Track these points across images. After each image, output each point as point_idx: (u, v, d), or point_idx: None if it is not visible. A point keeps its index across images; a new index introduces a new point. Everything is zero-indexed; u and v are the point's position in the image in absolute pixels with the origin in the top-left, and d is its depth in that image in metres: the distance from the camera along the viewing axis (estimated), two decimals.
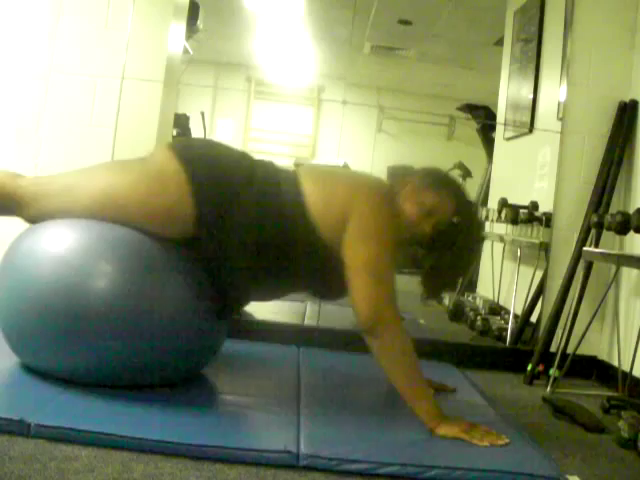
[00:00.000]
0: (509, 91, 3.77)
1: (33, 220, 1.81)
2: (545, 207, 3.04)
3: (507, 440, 1.66)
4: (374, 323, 1.67)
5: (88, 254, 1.69)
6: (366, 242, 1.72)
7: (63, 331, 1.65)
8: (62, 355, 1.69)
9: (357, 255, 1.71)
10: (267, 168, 1.88)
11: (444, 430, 1.66)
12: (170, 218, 1.76)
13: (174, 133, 3.38)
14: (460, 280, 2.15)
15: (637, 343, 2.36)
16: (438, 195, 1.87)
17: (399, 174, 1.99)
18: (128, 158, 1.94)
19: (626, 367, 2.48)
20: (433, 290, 1.97)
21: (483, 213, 3.59)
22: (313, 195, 1.78)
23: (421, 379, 1.72)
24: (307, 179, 1.82)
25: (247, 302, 2.02)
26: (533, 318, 2.97)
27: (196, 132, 3.80)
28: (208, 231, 1.76)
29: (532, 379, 2.62)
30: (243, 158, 1.90)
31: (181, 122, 3.56)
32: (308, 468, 1.44)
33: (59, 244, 1.70)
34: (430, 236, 1.86)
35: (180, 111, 3.50)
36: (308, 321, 3.03)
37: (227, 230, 1.76)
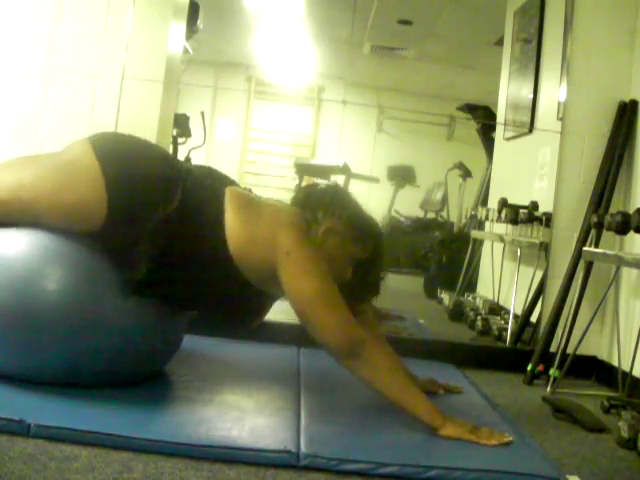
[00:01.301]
0: (509, 91, 3.77)
1: None
2: (545, 207, 3.04)
3: (511, 438, 1.66)
4: (346, 350, 1.67)
5: (33, 259, 1.67)
6: (305, 277, 1.69)
7: (11, 335, 1.65)
8: (11, 358, 1.69)
9: (303, 292, 1.69)
10: (195, 178, 1.81)
11: (449, 431, 1.65)
12: (79, 213, 1.69)
13: (174, 133, 3.38)
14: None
15: (637, 343, 2.36)
16: (363, 245, 1.84)
17: (321, 201, 1.87)
18: (46, 153, 1.86)
19: (626, 367, 2.48)
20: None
21: (483, 213, 3.59)
22: (235, 223, 1.73)
23: (410, 384, 1.73)
24: (231, 204, 1.76)
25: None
26: (533, 318, 2.97)
27: (196, 132, 3.80)
28: (116, 228, 1.70)
29: (532, 379, 2.63)
30: (165, 159, 1.84)
31: (181, 122, 3.55)
32: (308, 468, 1.44)
33: (5, 249, 1.68)
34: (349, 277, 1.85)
35: (180, 111, 3.50)
36: None
37: (135, 230, 1.71)
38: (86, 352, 1.69)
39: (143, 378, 1.85)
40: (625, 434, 1.89)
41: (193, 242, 1.75)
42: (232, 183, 1.88)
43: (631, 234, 2.49)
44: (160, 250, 1.73)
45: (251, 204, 1.80)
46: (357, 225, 1.85)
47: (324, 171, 4.15)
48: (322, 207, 1.83)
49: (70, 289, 1.67)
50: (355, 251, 1.84)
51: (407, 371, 1.89)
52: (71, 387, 1.68)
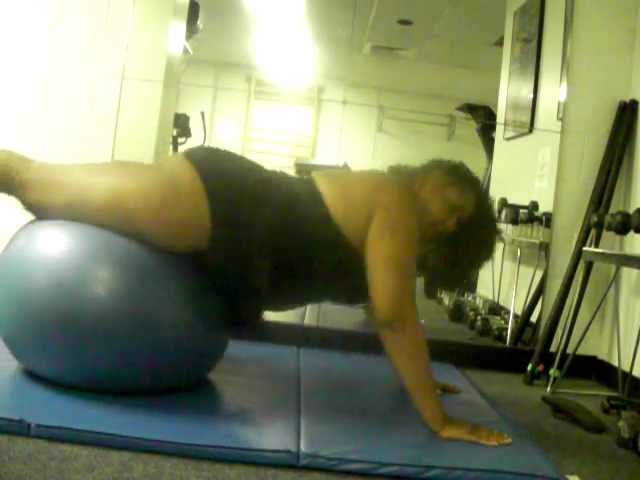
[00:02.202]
0: (509, 91, 3.77)
1: (32, 208, 1.74)
2: (545, 207, 3.04)
3: (511, 439, 1.67)
4: (392, 318, 1.66)
5: (86, 258, 1.65)
6: (390, 236, 1.71)
7: (60, 338, 1.62)
8: (58, 362, 1.67)
9: (380, 249, 1.70)
10: (282, 176, 1.86)
11: (449, 433, 1.65)
12: (183, 230, 1.70)
13: (174, 133, 3.38)
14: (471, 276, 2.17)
15: (637, 343, 2.36)
16: (461, 191, 1.87)
17: (416, 170, 1.96)
18: (139, 160, 1.83)
19: (626, 367, 2.48)
20: (448, 284, 1.97)
21: None
22: (333, 197, 1.76)
23: (431, 380, 1.72)
24: (324, 183, 1.80)
25: (269, 310, 1.97)
26: (533, 318, 2.97)
27: (196, 132, 3.80)
28: (225, 244, 1.70)
29: (532, 379, 2.63)
30: (257, 168, 1.85)
31: (181, 122, 3.56)
32: (308, 468, 1.44)
33: (56, 247, 1.66)
34: (452, 232, 1.87)
35: (180, 111, 3.50)
36: (308, 321, 3.03)
37: (247, 239, 1.71)
38: (134, 359, 1.65)
39: (186, 387, 1.83)
40: (625, 434, 1.89)
41: (301, 229, 1.74)
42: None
43: (631, 234, 2.49)
44: (273, 257, 1.73)
45: (342, 175, 1.87)
46: (452, 170, 1.91)
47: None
48: (419, 168, 1.94)
49: (121, 292, 1.64)
50: (454, 195, 1.85)
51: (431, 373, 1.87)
52: (71, 387, 1.67)
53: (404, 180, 1.88)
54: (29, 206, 1.75)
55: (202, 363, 1.89)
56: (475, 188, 1.92)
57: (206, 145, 1.92)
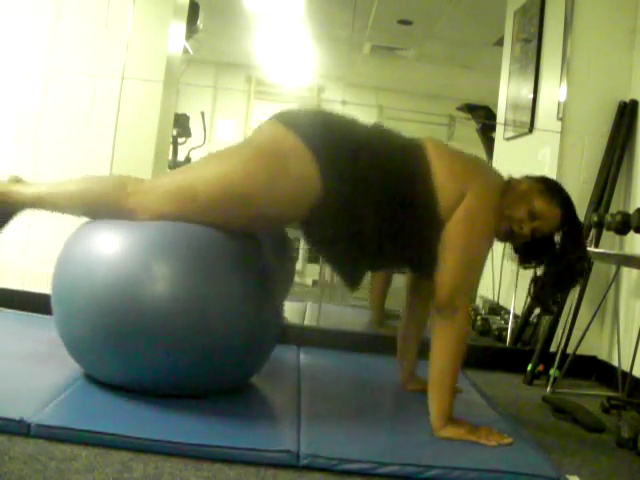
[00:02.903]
0: (509, 91, 3.77)
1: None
2: None
3: (511, 439, 1.67)
4: (446, 304, 1.69)
5: (142, 257, 1.62)
6: (470, 227, 1.72)
7: (119, 337, 1.61)
8: (117, 362, 1.66)
9: (457, 236, 1.71)
10: (386, 133, 1.84)
11: (449, 432, 1.66)
12: (296, 196, 1.68)
13: (174, 133, 3.38)
14: (561, 295, 2.17)
15: (637, 343, 2.36)
16: (548, 202, 1.84)
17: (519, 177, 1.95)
18: (232, 145, 1.77)
19: (626, 367, 2.48)
20: (540, 301, 1.94)
21: None
22: (439, 166, 1.75)
23: (455, 378, 1.73)
24: (433, 149, 1.79)
25: (369, 270, 1.94)
26: (533, 318, 2.97)
27: (196, 132, 3.80)
28: (335, 203, 1.68)
29: (532, 379, 2.63)
30: (356, 124, 1.83)
31: (181, 122, 3.56)
32: (308, 468, 1.44)
33: (114, 245, 1.64)
34: (527, 239, 1.85)
35: (180, 111, 3.50)
36: (308, 321, 3.03)
37: (356, 198, 1.69)
38: (187, 359, 1.64)
39: (234, 390, 1.83)
40: (625, 434, 1.89)
41: (403, 192, 1.73)
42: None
43: (631, 234, 2.49)
44: (379, 215, 1.71)
45: (450, 149, 1.86)
46: (548, 182, 1.91)
47: None
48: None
49: (180, 290, 1.62)
50: (539, 203, 1.82)
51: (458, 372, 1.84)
52: (71, 387, 1.67)
53: (500, 176, 1.90)
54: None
55: (252, 365, 1.87)
56: (565, 208, 1.86)
57: (303, 109, 1.89)
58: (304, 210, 1.71)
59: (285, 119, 1.74)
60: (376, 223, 1.71)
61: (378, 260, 1.83)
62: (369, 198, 1.70)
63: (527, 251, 1.90)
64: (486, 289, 3.65)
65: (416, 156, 1.77)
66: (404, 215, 1.73)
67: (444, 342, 1.71)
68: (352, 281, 1.81)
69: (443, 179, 1.74)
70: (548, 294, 1.91)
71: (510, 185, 1.87)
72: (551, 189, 1.88)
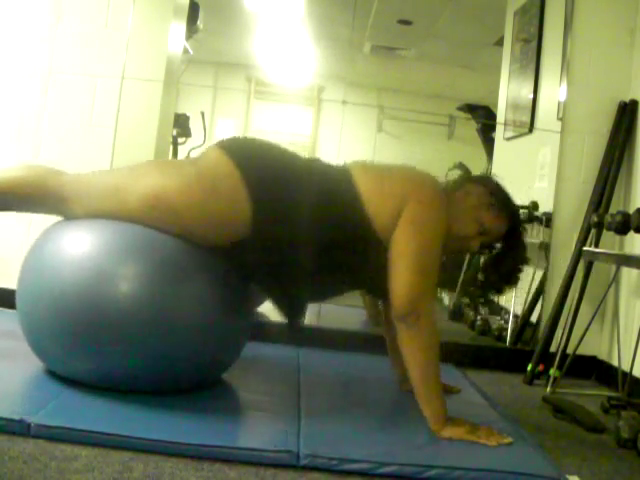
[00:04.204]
0: (509, 91, 3.76)
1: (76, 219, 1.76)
2: (545, 207, 3.04)
3: (511, 439, 1.67)
4: (407, 312, 1.67)
5: (108, 256, 1.65)
6: (416, 231, 1.72)
7: (84, 335, 1.63)
8: (81, 361, 1.67)
9: (405, 242, 1.71)
10: (319, 165, 1.86)
11: (449, 432, 1.66)
12: (224, 221, 1.72)
13: (174, 133, 3.38)
14: (494, 295, 2.22)
15: (637, 343, 2.36)
16: (497, 216, 1.86)
17: (460, 179, 1.95)
18: (176, 159, 1.88)
19: (626, 367, 2.48)
20: (470, 297, 2.00)
21: None
22: (367, 189, 1.76)
23: (438, 379, 1.73)
24: (359, 173, 1.80)
25: (308, 302, 1.95)
26: (533, 318, 2.97)
27: (196, 132, 3.80)
28: (265, 233, 1.72)
29: (532, 379, 2.63)
30: (295, 157, 1.86)
31: (181, 122, 3.55)
32: (308, 468, 1.44)
33: (80, 246, 1.66)
34: (473, 252, 1.88)
35: (180, 111, 3.50)
36: (308, 321, 3.03)
37: (284, 231, 1.72)
38: (154, 356, 1.66)
39: (204, 385, 1.84)
40: (625, 434, 1.89)
41: (335, 220, 1.75)
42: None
43: (631, 234, 2.49)
44: (310, 246, 1.73)
45: (377, 166, 1.86)
46: (496, 194, 1.89)
47: None
48: (466, 175, 1.95)
49: (143, 288, 1.64)
50: (488, 219, 1.84)
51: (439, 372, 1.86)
52: (71, 387, 1.67)
53: (437, 183, 1.87)
54: (73, 218, 1.76)
55: (220, 363, 1.89)
56: (512, 215, 1.90)
57: (243, 136, 1.92)
58: (233, 236, 1.73)
59: (228, 147, 1.79)
60: (305, 254, 1.73)
61: (317, 290, 1.86)
62: (297, 230, 1.73)
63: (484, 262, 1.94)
64: None
65: (344, 183, 1.78)
66: (335, 244, 1.75)
67: (415, 351, 1.70)
68: (291, 316, 1.83)
69: (374, 201, 1.75)
70: (486, 293, 2.03)
71: (455, 197, 1.86)
72: (499, 200, 1.88)
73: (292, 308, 1.85)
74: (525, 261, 1.95)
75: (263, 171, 1.75)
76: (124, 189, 1.72)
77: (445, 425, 1.67)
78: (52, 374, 1.76)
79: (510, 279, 1.96)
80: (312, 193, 1.75)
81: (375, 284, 1.87)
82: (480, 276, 1.93)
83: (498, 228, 1.87)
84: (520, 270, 1.94)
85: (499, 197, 1.89)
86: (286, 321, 1.84)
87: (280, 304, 1.84)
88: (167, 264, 1.69)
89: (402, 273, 1.69)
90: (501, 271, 1.92)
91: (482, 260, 1.97)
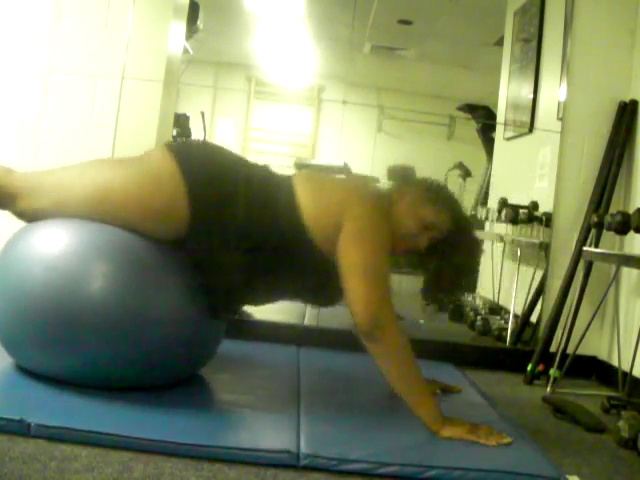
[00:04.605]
0: (509, 91, 3.77)
1: (23, 214, 1.79)
2: (545, 207, 3.04)
3: (510, 439, 1.66)
4: (371, 326, 1.64)
5: (79, 257, 1.67)
6: (359, 246, 1.71)
7: (54, 335, 1.64)
8: (53, 358, 1.68)
9: (351, 256, 1.70)
10: (263, 172, 1.88)
11: (449, 432, 1.66)
12: (164, 218, 1.75)
13: (174, 133, 3.38)
14: (457, 292, 2.22)
15: (637, 343, 2.36)
16: (436, 211, 1.86)
17: (397, 182, 1.97)
18: (123, 156, 1.93)
19: (626, 367, 2.48)
20: (432, 297, 2.00)
21: (483, 213, 3.59)
22: (307, 201, 1.78)
23: (421, 382, 1.71)
24: (302, 185, 1.82)
25: (240, 304, 2.01)
26: (533, 318, 2.97)
27: (196, 132, 3.80)
28: (200, 233, 1.75)
29: (532, 379, 2.63)
30: (239, 162, 1.88)
31: (181, 122, 3.56)
32: (308, 468, 1.44)
33: (51, 247, 1.68)
34: (424, 249, 1.87)
35: (180, 111, 3.50)
36: (308, 321, 3.03)
37: (220, 233, 1.75)
38: (127, 353, 1.68)
39: (178, 381, 1.85)
40: (625, 434, 1.89)
41: (271, 228, 1.76)
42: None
43: (631, 234, 2.49)
44: (245, 253, 1.76)
45: (320, 177, 1.90)
46: (430, 189, 1.91)
47: (324, 171, 4.15)
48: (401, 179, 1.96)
49: (116, 289, 1.66)
50: (427, 213, 1.85)
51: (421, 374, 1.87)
52: (71, 387, 1.67)
53: (376, 191, 1.90)
54: (20, 214, 1.80)
55: (196, 358, 1.90)
56: (452, 209, 1.91)
57: (194, 139, 1.96)
58: (174, 233, 1.76)
59: (175, 148, 1.83)
60: (237, 256, 1.75)
61: (249, 293, 1.87)
62: (231, 231, 1.75)
63: (437, 257, 1.91)
64: (486, 289, 3.65)
65: (283, 190, 1.80)
66: (269, 248, 1.76)
67: (389, 366, 1.69)
68: (215, 308, 1.84)
69: (312, 211, 1.76)
70: (444, 292, 2.01)
71: (393, 199, 1.88)
72: (432, 192, 1.90)
73: (222, 302, 1.85)
74: (468, 265, 1.97)
75: (204, 173, 1.77)
76: (72, 183, 1.77)
77: (443, 424, 1.67)
78: (45, 375, 1.76)
79: (454, 290, 2.01)
80: (249, 196, 1.77)
81: (316, 295, 1.91)
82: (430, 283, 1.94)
83: (440, 219, 1.86)
84: (463, 276, 1.96)
85: (433, 191, 1.91)
86: (212, 308, 1.83)
87: (213, 295, 1.83)
88: (137, 261, 1.72)
89: (356, 290, 1.67)
90: (442, 286, 1.94)
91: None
